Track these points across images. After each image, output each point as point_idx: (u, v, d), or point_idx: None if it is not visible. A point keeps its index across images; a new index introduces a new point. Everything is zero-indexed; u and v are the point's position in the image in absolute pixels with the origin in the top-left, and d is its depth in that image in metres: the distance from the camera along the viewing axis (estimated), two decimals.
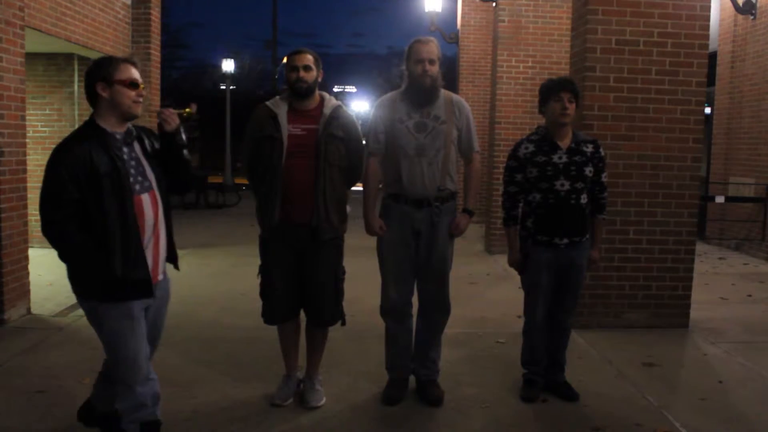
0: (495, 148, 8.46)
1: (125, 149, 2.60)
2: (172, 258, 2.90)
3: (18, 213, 5.04)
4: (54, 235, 2.49)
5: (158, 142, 2.75)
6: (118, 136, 2.58)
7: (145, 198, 2.62)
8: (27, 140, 5.41)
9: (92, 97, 2.58)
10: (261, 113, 3.44)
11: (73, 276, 2.61)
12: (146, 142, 2.70)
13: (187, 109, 3.18)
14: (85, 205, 2.47)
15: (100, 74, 2.54)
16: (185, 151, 2.81)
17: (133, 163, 2.61)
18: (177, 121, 2.76)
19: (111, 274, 2.50)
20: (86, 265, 2.54)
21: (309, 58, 3.39)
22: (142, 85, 2.63)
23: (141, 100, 2.62)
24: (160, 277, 2.78)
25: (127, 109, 2.57)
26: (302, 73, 3.35)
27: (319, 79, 3.45)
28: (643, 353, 4.42)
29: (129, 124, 2.65)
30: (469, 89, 11.43)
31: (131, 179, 2.56)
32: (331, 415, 3.43)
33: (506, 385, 3.82)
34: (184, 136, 2.81)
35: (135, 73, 2.60)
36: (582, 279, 3.72)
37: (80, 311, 5.27)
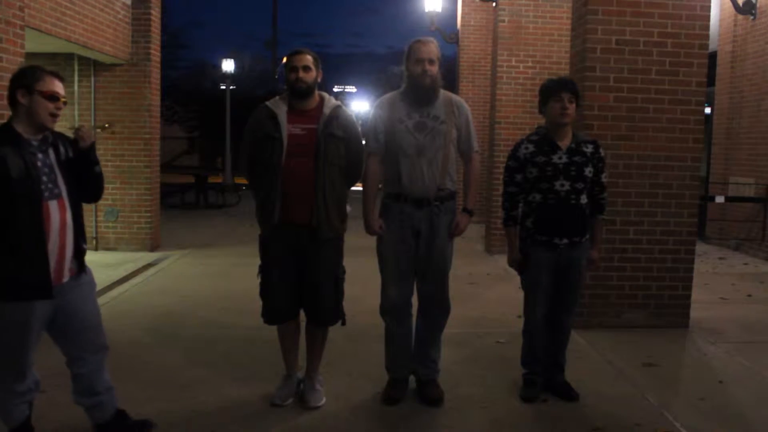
0: (495, 148, 8.46)
1: (40, 155, 2.69)
2: (79, 260, 2.94)
3: None
4: None
5: (72, 151, 2.85)
6: (34, 143, 2.69)
7: (53, 204, 2.70)
8: None
9: (12, 102, 2.68)
10: (261, 113, 3.45)
11: None
12: (61, 149, 2.80)
13: (106, 125, 3.32)
14: None
15: (22, 82, 2.66)
16: (97, 167, 2.92)
17: (46, 170, 2.70)
18: (91, 138, 2.88)
19: (7, 272, 2.58)
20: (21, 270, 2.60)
21: (308, 59, 3.39)
22: (63, 100, 2.74)
23: (58, 113, 2.73)
24: (65, 279, 2.80)
25: (41, 120, 2.68)
26: (302, 74, 3.35)
27: (319, 80, 3.45)
28: (643, 353, 4.42)
29: (47, 132, 2.75)
30: (469, 89, 11.43)
31: (42, 186, 2.65)
32: (331, 415, 3.42)
33: (506, 385, 3.82)
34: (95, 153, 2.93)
35: (58, 87, 2.72)
36: (582, 279, 3.72)
37: None
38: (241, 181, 17.02)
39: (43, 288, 2.67)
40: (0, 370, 2.77)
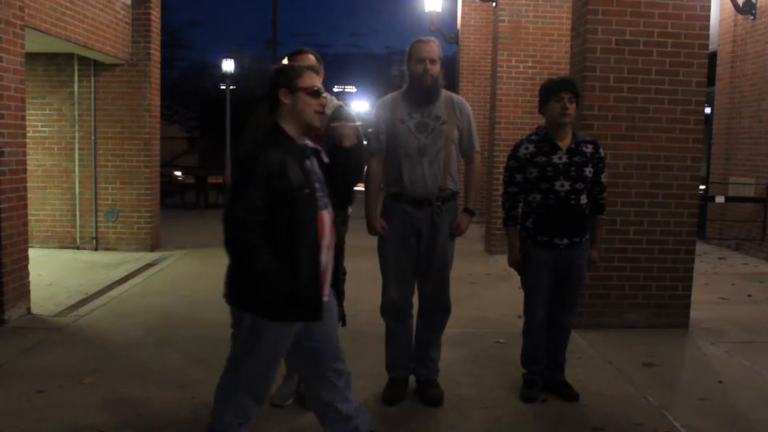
0: (495, 148, 8.46)
1: (310, 160, 2.52)
2: (335, 281, 2.69)
3: (18, 213, 5.04)
4: (243, 252, 2.36)
5: (326, 158, 2.63)
6: (303, 145, 2.52)
7: (325, 215, 2.51)
8: (27, 140, 5.41)
9: (274, 103, 2.53)
10: (262, 113, 3.44)
11: (246, 289, 2.43)
12: (321, 154, 2.62)
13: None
14: (272, 218, 2.36)
15: (283, 80, 2.50)
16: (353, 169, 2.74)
17: (316, 177, 2.51)
18: (356, 135, 2.68)
19: (290, 293, 2.37)
20: (271, 283, 2.36)
21: (311, 59, 3.39)
22: (324, 95, 2.57)
23: (322, 111, 2.56)
24: (325, 299, 2.57)
25: (308, 119, 2.51)
26: None
27: (321, 79, 3.44)
28: (643, 353, 4.42)
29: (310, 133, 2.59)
30: (469, 89, 11.43)
31: (316, 194, 2.47)
32: None
33: (506, 385, 3.82)
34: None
35: (318, 81, 2.55)
36: (582, 279, 3.72)
37: (80, 311, 5.28)
38: None
39: (317, 308, 2.46)
40: (245, 394, 2.53)
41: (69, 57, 7.83)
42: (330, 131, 2.68)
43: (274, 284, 2.35)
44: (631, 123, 4.94)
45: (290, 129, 2.51)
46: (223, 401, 2.58)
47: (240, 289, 2.45)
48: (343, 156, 2.63)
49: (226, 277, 2.50)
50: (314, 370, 2.61)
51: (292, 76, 2.51)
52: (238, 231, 2.35)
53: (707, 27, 4.95)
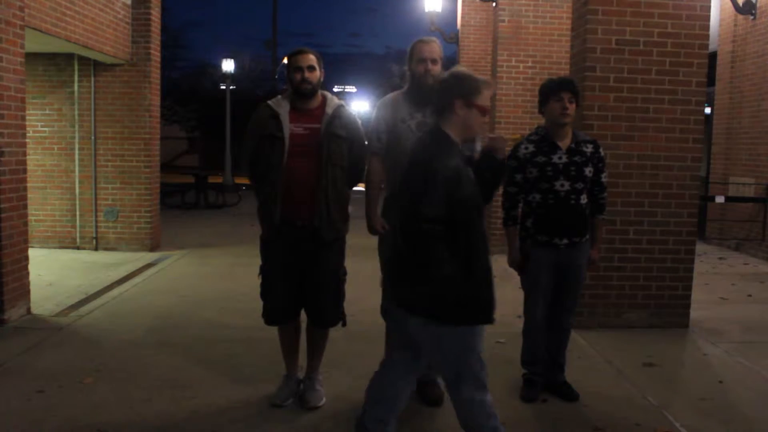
0: None
1: (469, 168, 2.57)
2: None
3: (18, 213, 5.04)
4: (428, 259, 2.40)
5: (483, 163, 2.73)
6: (466, 156, 2.59)
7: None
8: (27, 140, 5.41)
9: (445, 108, 2.57)
10: (263, 112, 3.44)
11: (431, 296, 2.44)
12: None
13: (515, 135, 3.13)
14: (451, 224, 2.40)
15: (462, 92, 2.54)
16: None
17: (474, 182, 2.57)
18: (506, 149, 2.75)
19: (473, 297, 2.43)
20: (456, 288, 2.41)
21: (312, 58, 3.38)
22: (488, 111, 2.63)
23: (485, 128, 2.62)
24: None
25: (473, 134, 2.60)
26: (307, 74, 3.34)
27: (322, 79, 3.44)
28: (643, 353, 4.42)
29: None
30: None
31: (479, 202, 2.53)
32: (331, 415, 3.42)
33: (506, 385, 3.81)
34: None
35: (488, 102, 2.60)
36: (582, 279, 3.72)
37: (80, 311, 5.28)
38: (242, 181, 17.03)
39: (493, 311, 2.51)
40: (483, 378, 2.55)
41: (69, 57, 7.83)
42: (490, 142, 2.77)
43: (459, 289, 2.40)
44: (631, 123, 4.94)
45: (453, 136, 2.55)
46: (482, 415, 2.57)
47: (424, 296, 2.45)
48: (498, 166, 2.73)
49: (398, 283, 2.55)
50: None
51: (472, 91, 2.54)
52: (424, 239, 2.39)
53: (707, 27, 4.95)
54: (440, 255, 2.39)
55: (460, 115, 2.54)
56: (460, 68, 2.70)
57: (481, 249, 2.46)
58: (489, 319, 2.49)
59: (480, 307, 2.46)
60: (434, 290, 2.42)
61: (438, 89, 2.63)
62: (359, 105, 34.91)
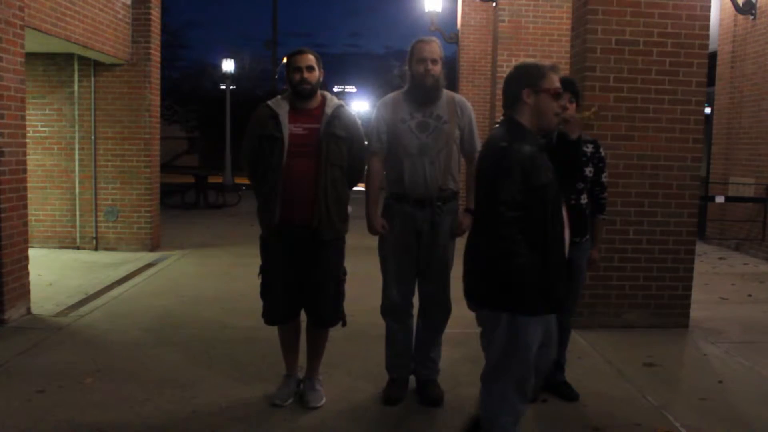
0: None
1: (545, 156, 2.53)
2: None
3: (18, 213, 5.04)
4: (504, 248, 2.36)
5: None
6: (542, 143, 2.54)
7: (563, 208, 2.57)
8: (27, 140, 5.41)
9: (514, 101, 2.54)
10: (262, 112, 3.44)
11: (504, 286, 2.42)
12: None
13: (586, 112, 2.99)
14: (527, 213, 2.37)
15: (528, 81, 2.50)
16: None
17: (551, 170, 2.53)
18: (581, 129, 2.70)
19: (546, 286, 2.41)
20: (531, 277, 2.38)
21: (311, 58, 3.38)
22: (563, 99, 2.58)
23: (561, 112, 2.56)
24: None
25: (548, 121, 2.52)
26: (306, 74, 3.34)
27: (321, 79, 3.44)
28: (643, 353, 4.42)
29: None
30: (469, 89, 11.43)
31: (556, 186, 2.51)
32: (331, 415, 3.42)
33: None
34: None
35: (558, 83, 2.53)
36: (582, 279, 3.72)
37: (80, 311, 5.28)
38: (241, 181, 17.04)
39: (562, 301, 2.53)
40: (515, 393, 2.55)
41: (69, 57, 7.83)
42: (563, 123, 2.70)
43: (534, 278, 2.37)
44: (631, 123, 4.94)
45: (527, 125, 2.52)
46: (495, 405, 2.57)
47: (498, 287, 2.43)
48: (573, 148, 2.66)
49: (471, 280, 2.54)
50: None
51: (538, 77, 2.50)
52: (500, 227, 2.36)
53: (707, 27, 4.95)
54: (518, 244, 2.35)
55: (529, 103, 2.50)
56: (524, 60, 2.66)
57: (556, 237, 2.43)
58: (554, 310, 2.50)
59: (548, 300, 2.44)
60: (507, 280, 2.39)
61: (504, 85, 2.58)
62: (359, 105, 34.92)
